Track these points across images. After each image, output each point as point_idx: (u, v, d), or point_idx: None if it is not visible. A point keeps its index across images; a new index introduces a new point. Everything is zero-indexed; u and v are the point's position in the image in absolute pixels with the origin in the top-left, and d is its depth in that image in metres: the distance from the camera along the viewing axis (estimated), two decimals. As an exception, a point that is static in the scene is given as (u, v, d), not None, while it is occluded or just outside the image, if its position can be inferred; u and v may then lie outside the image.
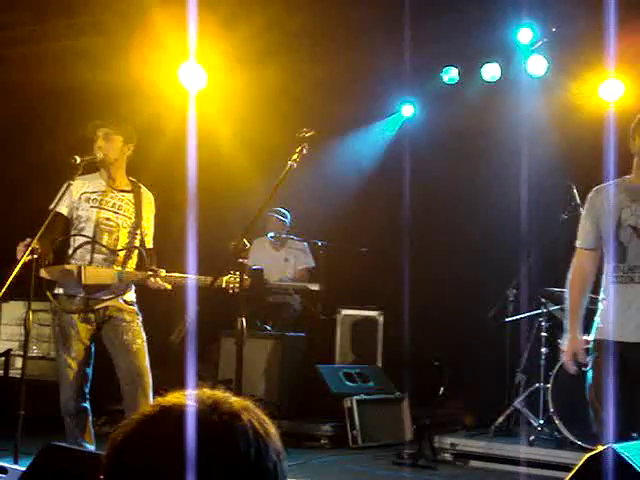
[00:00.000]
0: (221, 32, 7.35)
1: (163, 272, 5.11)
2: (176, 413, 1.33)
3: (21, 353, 7.97)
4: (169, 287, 5.14)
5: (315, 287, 8.33)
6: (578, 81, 7.79)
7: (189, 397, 1.36)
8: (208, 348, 7.94)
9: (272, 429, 1.40)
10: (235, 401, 1.38)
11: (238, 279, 4.67)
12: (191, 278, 4.98)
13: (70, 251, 5.26)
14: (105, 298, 5.18)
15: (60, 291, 5.23)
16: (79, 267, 5.18)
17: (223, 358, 7.66)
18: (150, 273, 5.13)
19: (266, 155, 8.18)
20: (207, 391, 1.39)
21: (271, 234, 8.56)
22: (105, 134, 5.28)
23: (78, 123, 5.84)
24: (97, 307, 5.17)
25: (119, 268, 5.22)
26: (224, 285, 4.85)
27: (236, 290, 4.73)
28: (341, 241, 8.62)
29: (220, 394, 1.39)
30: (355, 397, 7.28)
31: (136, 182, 5.47)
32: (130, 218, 5.33)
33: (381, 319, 8.30)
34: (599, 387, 4.12)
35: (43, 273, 5.17)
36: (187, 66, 7.67)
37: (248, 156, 8.56)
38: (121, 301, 5.21)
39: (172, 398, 1.37)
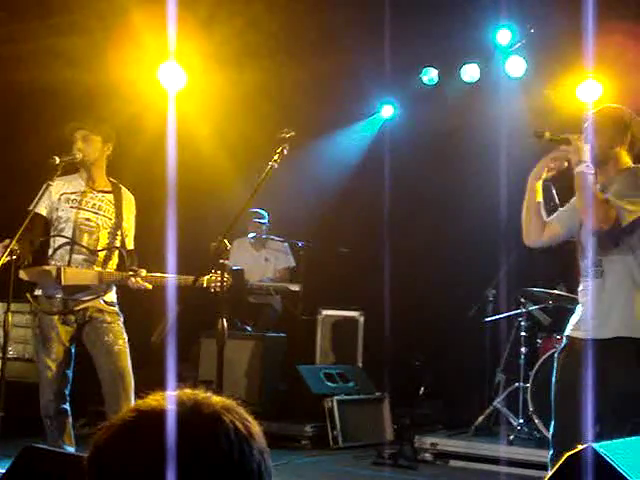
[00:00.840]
0: (201, 32, 7.34)
1: (144, 272, 5.10)
2: (156, 416, 1.31)
3: (-1, 354, 7.93)
4: (149, 287, 5.13)
5: (296, 287, 8.34)
6: (556, 82, 7.83)
7: (169, 399, 1.35)
8: (189, 348, 7.92)
9: (255, 428, 1.39)
10: (217, 401, 1.37)
11: (219, 279, 4.67)
12: (172, 278, 4.97)
13: (50, 252, 5.23)
14: (85, 299, 5.16)
15: (39, 292, 5.20)
16: (58, 268, 5.15)
17: (204, 358, 7.64)
18: (131, 273, 5.11)
19: (246, 155, 8.18)
20: (188, 392, 1.38)
21: (251, 234, 8.56)
22: (83, 135, 5.26)
23: (57, 123, 5.81)
24: (77, 308, 5.15)
25: (99, 269, 5.20)
26: (205, 285, 4.86)
27: (217, 290, 4.72)
28: (321, 241, 8.63)
29: (201, 394, 1.38)
30: (336, 397, 7.29)
31: (116, 183, 5.46)
32: (110, 219, 5.31)
33: (362, 319, 8.31)
34: None
35: (22, 274, 5.14)
36: (166, 66, 7.65)
37: (228, 156, 8.55)
38: (102, 302, 5.19)
39: (152, 401, 1.36)
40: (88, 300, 5.15)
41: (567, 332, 4.18)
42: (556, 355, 4.24)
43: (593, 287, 4.08)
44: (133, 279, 5.09)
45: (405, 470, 6.42)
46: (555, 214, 4.36)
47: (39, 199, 5.13)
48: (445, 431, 7.14)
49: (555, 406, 4.12)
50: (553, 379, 4.15)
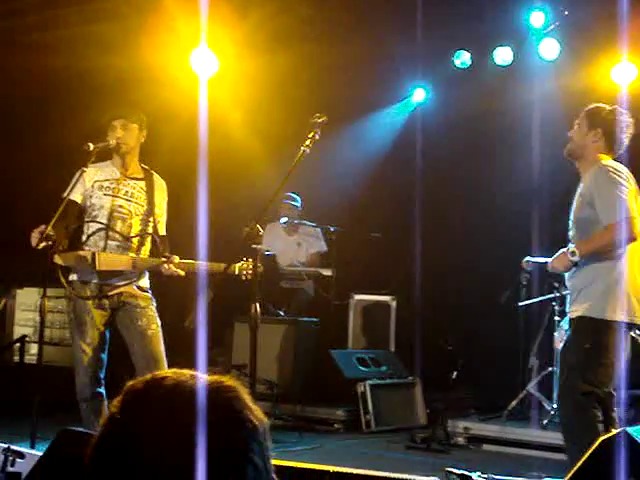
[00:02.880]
0: (233, 17, 7.35)
1: (176, 259, 5.13)
2: (188, 389, 1.32)
3: (36, 339, 8.03)
4: (182, 274, 5.16)
5: (328, 272, 8.35)
6: (591, 64, 7.75)
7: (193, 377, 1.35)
8: (222, 333, 7.96)
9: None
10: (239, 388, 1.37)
11: (251, 265, 4.69)
12: (204, 265, 5.00)
13: (84, 238, 5.28)
14: (119, 284, 5.20)
15: (74, 277, 5.26)
16: (93, 253, 5.20)
17: (237, 343, 7.68)
18: (163, 259, 5.15)
19: (277, 140, 8.18)
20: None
21: (284, 219, 8.57)
22: (123, 124, 5.30)
23: (91, 109, 5.87)
24: (111, 293, 5.19)
25: (133, 255, 5.25)
26: (237, 272, 4.88)
27: (249, 277, 4.75)
28: (353, 226, 8.62)
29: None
30: (368, 382, 7.30)
31: (148, 169, 5.49)
32: (143, 205, 5.35)
33: (394, 304, 8.30)
34: None
35: (57, 259, 5.19)
36: (199, 51, 7.67)
37: (259, 141, 8.57)
38: (135, 287, 5.23)
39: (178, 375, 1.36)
40: (122, 285, 5.20)
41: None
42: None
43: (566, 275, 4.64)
44: (166, 265, 5.12)
45: (438, 454, 6.41)
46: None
47: (73, 186, 5.18)
48: (478, 415, 7.12)
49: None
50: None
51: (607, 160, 4.51)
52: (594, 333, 4.42)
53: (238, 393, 1.33)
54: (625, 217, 4.32)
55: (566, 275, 4.62)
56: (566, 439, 4.62)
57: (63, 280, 5.22)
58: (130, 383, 1.36)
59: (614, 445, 2.97)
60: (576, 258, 4.42)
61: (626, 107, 5.32)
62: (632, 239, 4.37)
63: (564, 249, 4.52)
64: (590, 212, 4.42)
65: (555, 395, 6.67)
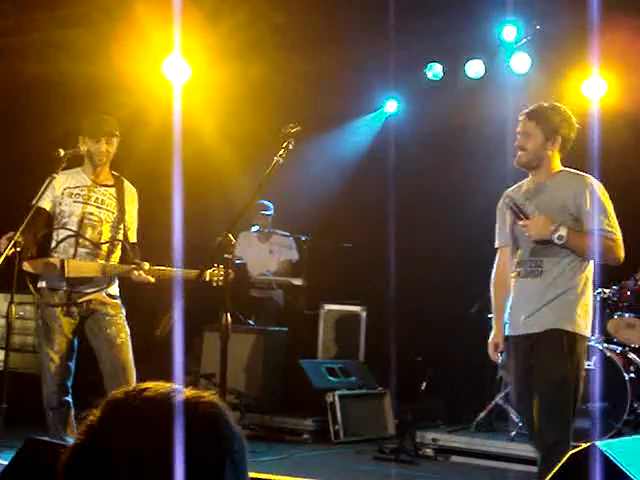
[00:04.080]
0: (205, 25, 7.34)
1: (147, 265, 5.11)
2: (160, 402, 1.31)
3: (2, 345, 7.94)
4: (152, 280, 5.14)
5: (298, 282, 8.34)
6: (562, 78, 7.82)
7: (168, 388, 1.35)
8: (191, 342, 7.92)
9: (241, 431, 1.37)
10: (212, 397, 1.37)
11: (222, 272, 4.67)
12: (175, 271, 4.98)
13: (53, 244, 5.24)
14: (88, 291, 5.17)
15: (43, 284, 5.21)
16: (62, 260, 5.16)
17: (206, 352, 7.64)
18: (133, 266, 5.12)
19: (250, 148, 8.17)
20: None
21: (255, 228, 8.55)
22: (107, 140, 5.28)
23: (62, 115, 5.83)
24: (80, 300, 5.16)
25: (102, 262, 5.21)
26: (208, 279, 4.86)
27: (220, 283, 4.73)
28: (325, 236, 8.62)
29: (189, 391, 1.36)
30: (337, 392, 7.29)
31: (118, 176, 5.47)
32: (113, 212, 5.32)
33: (364, 314, 8.31)
34: None
35: (26, 266, 5.15)
36: (171, 59, 7.65)
37: (233, 149, 8.55)
38: (104, 294, 5.20)
39: (155, 387, 1.35)
40: (91, 292, 5.16)
41: (507, 333, 4.52)
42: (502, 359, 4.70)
43: (530, 286, 4.35)
44: (136, 272, 5.10)
45: (406, 465, 6.41)
46: (498, 242, 4.69)
47: (42, 193, 5.13)
48: (446, 427, 7.14)
49: (519, 409, 4.67)
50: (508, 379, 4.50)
51: (590, 176, 4.42)
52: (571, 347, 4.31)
53: (219, 410, 1.33)
54: (621, 238, 4.35)
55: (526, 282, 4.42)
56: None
57: (31, 287, 5.17)
58: (112, 393, 1.35)
59: (584, 460, 2.98)
60: (560, 242, 4.24)
61: (597, 121, 5.37)
62: (620, 260, 4.37)
63: (548, 220, 4.30)
64: (572, 223, 4.31)
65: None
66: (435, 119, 8.48)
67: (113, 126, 5.34)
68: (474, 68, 8.30)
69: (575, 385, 4.27)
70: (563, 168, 4.48)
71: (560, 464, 3.07)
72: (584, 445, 3.04)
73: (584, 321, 4.34)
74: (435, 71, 8.55)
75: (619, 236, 4.32)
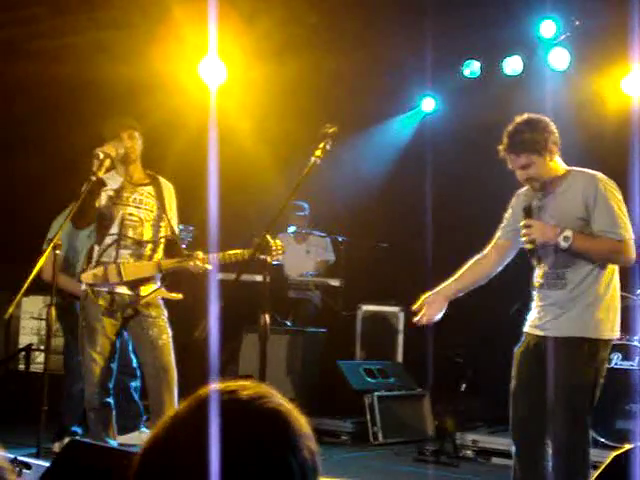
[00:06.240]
0: (241, 26, 7.34)
1: (200, 254, 5.09)
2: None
3: (41, 347, 8.00)
4: (210, 267, 5.11)
5: (335, 282, 8.31)
6: (601, 75, 7.72)
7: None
8: (229, 343, 7.92)
9: (308, 427, 1.37)
10: (278, 397, 1.37)
11: (273, 249, 4.63)
12: (229, 254, 4.99)
13: (97, 249, 5.26)
14: (142, 294, 5.18)
15: (87, 287, 5.23)
16: (118, 265, 5.17)
17: (244, 353, 7.64)
18: (187, 258, 5.13)
19: (286, 149, 8.16)
20: (251, 384, 1.38)
21: (292, 229, 8.53)
22: (130, 133, 5.29)
23: (99, 117, 5.85)
24: (132, 302, 5.17)
25: (147, 262, 5.22)
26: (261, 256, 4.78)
27: (274, 258, 4.66)
28: (362, 236, 8.58)
29: (263, 389, 1.37)
30: (376, 393, 7.25)
31: (153, 174, 5.48)
32: (152, 211, 5.33)
33: (402, 315, 8.25)
34: None
35: (84, 278, 5.18)
36: (207, 61, 7.66)
37: (268, 150, 8.54)
38: (162, 289, 5.20)
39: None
40: (150, 293, 5.17)
41: (525, 329, 4.51)
42: (515, 350, 4.50)
43: (556, 296, 4.29)
44: (192, 262, 5.09)
45: (446, 467, 6.36)
46: (500, 232, 4.67)
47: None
48: (487, 428, 7.07)
49: (512, 400, 4.36)
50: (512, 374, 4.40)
51: (600, 174, 4.35)
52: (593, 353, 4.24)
53: (296, 421, 1.34)
54: (633, 238, 4.25)
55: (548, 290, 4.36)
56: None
57: (89, 290, 5.20)
58: (202, 389, 1.36)
59: (627, 462, 2.93)
60: (566, 244, 4.16)
61: (636, 118, 5.28)
62: (631, 261, 4.27)
63: (553, 224, 4.24)
64: (581, 224, 4.24)
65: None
66: (472, 117, 8.40)
67: (130, 121, 5.36)
68: (512, 65, 8.22)
69: (592, 391, 4.21)
70: (569, 168, 4.38)
71: (602, 466, 3.03)
72: (627, 447, 2.99)
73: (607, 324, 4.26)
74: (472, 68, 8.48)
75: (629, 236, 4.21)
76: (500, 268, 4.69)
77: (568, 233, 4.17)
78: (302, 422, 1.35)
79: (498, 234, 4.64)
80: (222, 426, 1.27)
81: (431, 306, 4.59)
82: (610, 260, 4.27)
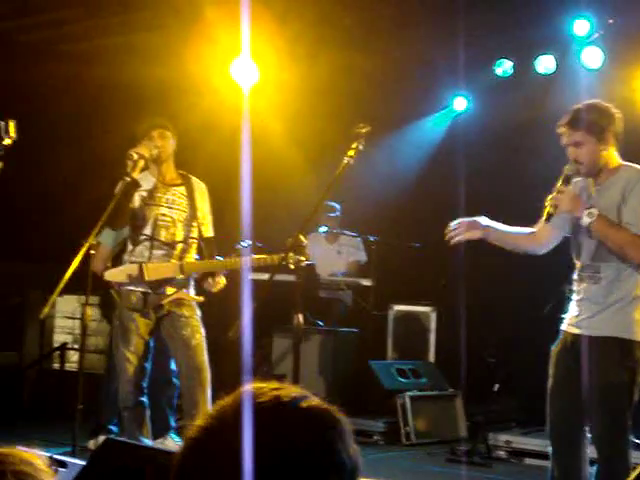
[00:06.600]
0: (274, 27, 7.35)
1: (232, 261, 5.12)
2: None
3: (75, 346, 8.07)
4: (222, 284, 5.17)
5: (367, 282, 8.31)
6: (635, 73, 7.65)
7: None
8: (260, 343, 7.94)
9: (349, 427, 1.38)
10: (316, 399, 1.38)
11: (299, 257, 4.65)
12: (262, 258, 5.02)
13: (130, 248, 5.30)
14: (168, 293, 5.22)
15: (121, 286, 5.27)
16: (140, 265, 5.21)
17: (276, 353, 7.66)
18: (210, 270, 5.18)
19: (317, 150, 8.16)
20: (287, 385, 1.38)
21: (323, 229, 8.53)
22: (160, 132, 5.32)
23: (132, 119, 5.89)
24: (159, 302, 5.20)
25: (176, 261, 5.25)
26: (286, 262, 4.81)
27: (298, 264, 4.68)
28: (393, 236, 8.56)
29: (302, 392, 1.37)
30: (408, 393, 7.24)
31: (185, 174, 5.51)
32: (184, 211, 5.36)
33: (433, 315, 8.23)
34: None
35: (107, 276, 5.23)
36: (240, 62, 7.68)
37: (299, 151, 8.55)
38: (186, 291, 5.24)
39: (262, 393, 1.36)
40: (172, 294, 5.20)
41: (562, 327, 4.39)
42: (552, 349, 4.40)
43: (590, 290, 4.20)
44: (210, 280, 5.16)
45: (479, 468, 6.33)
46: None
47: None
48: (520, 428, 7.03)
49: (549, 399, 4.28)
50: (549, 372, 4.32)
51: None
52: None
53: (341, 421, 1.36)
54: None
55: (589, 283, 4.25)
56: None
57: (113, 291, 5.25)
58: (243, 388, 1.37)
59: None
60: (588, 220, 4.07)
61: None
62: None
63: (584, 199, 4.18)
64: (617, 220, 4.15)
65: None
66: (505, 116, 8.36)
67: (161, 120, 5.40)
68: (545, 64, 8.16)
69: (630, 393, 4.14)
70: (622, 162, 4.31)
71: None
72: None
73: None
74: (504, 67, 8.43)
75: None
76: (539, 250, 4.60)
77: (594, 211, 4.09)
78: (345, 422, 1.36)
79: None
80: (266, 427, 1.28)
81: (468, 226, 4.48)
82: (625, 253, 4.13)
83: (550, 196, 4.31)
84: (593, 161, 4.24)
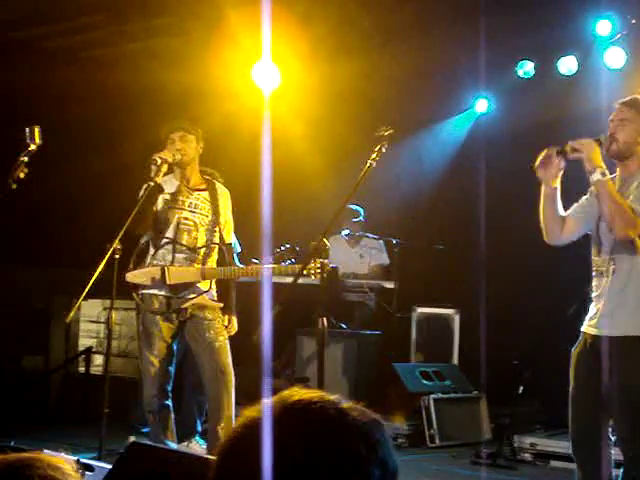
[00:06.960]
0: (295, 31, 7.36)
1: (253, 268, 5.15)
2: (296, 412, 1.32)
3: (99, 350, 8.12)
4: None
5: (390, 285, 8.30)
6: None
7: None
8: (283, 345, 7.95)
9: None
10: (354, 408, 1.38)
11: (319, 265, 4.66)
12: (283, 267, 5.04)
13: (152, 251, 5.32)
14: (189, 297, 5.24)
15: (144, 290, 5.30)
16: (162, 268, 5.23)
17: (299, 356, 7.66)
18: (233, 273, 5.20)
19: (338, 153, 8.17)
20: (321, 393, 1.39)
21: (345, 232, 8.54)
22: (181, 136, 5.34)
23: (154, 123, 5.91)
24: (184, 306, 5.23)
25: (200, 266, 5.27)
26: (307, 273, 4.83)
27: (317, 276, 4.70)
28: (416, 239, 8.56)
29: (344, 402, 1.38)
30: (432, 395, 7.22)
31: (210, 179, 5.52)
32: (207, 216, 5.38)
33: (457, 317, 8.21)
34: None
35: (129, 278, 5.25)
36: (261, 65, 7.70)
37: (320, 154, 8.56)
38: (208, 297, 5.26)
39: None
40: (192, 298, 5.23)
41: (582, 328, 4.36)
42: (572, 351, 4.36)
43: (605, 285, 4.18)
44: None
45: (504, 470, 6.31)
46: (570, 210, 4.49)
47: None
48: (545, 431, 6.99)
49: (571, 402, 4.25)
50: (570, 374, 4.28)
51: None
52: None
53: (381, 426, 1.38)
54: None
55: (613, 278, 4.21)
56: None
57: (135, 295, 5.27)
58: (282, 394, 1.39)
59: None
60: (598, 177, 4.07)
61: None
62: (627, 235, 4.10)
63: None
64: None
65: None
66: (527, 118, 8.33)
67: (183, 123, 5.41)
68: (567, 64, 8.14)
69: None
70: None
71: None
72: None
73: None
74: (526, 69, 8.41)
75: None
76: (557, 239, 4.54)
77: (607, 171, 4.08)
78: (383, 427, 1.38)
79: (569, 210, 4.52)
80: (307, 434, 1.28)
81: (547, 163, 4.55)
82: (613, 221, 4.09)
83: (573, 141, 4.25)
84: (628, 143, 4.20)
